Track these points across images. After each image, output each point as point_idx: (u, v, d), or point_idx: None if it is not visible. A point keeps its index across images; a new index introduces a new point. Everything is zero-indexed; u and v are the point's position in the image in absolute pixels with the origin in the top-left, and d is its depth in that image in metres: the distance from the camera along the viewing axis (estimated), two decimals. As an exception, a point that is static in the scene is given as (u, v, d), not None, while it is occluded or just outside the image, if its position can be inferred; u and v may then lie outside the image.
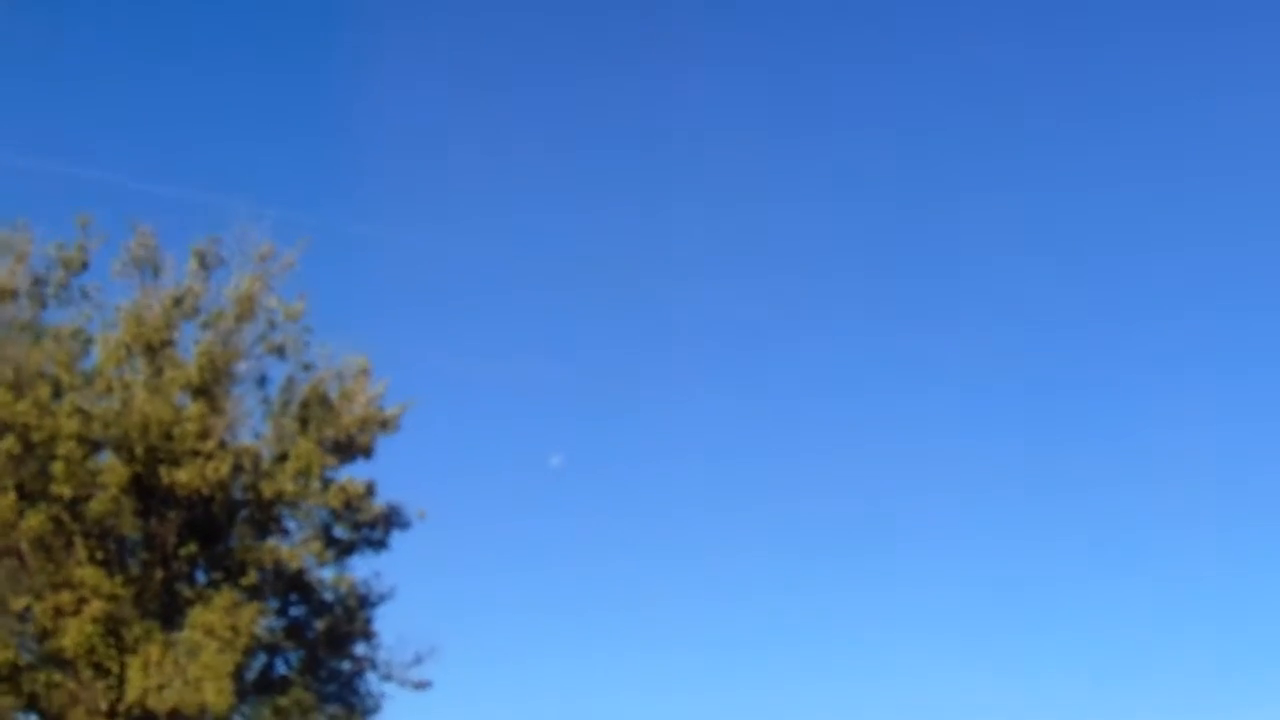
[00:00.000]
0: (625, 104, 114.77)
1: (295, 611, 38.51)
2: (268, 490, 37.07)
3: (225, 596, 35.28)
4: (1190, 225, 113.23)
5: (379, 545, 38.93)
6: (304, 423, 38.10)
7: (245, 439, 37.85)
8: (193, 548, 36.51)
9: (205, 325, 37.96)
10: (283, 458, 37.53)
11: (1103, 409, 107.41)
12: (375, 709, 38.77)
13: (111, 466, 35.77)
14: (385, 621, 39.27)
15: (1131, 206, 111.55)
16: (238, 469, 36.82)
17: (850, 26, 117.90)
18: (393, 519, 38.86)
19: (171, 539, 36.35)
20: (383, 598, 39.11)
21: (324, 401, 38.37)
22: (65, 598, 34.67)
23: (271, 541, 37.46)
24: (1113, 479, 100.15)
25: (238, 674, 34.75)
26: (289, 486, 37.04)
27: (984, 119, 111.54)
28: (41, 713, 35.14)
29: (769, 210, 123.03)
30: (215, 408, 36.92)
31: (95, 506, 35.29)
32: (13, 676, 34.26)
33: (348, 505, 37.89)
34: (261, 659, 37.28)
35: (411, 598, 41.32)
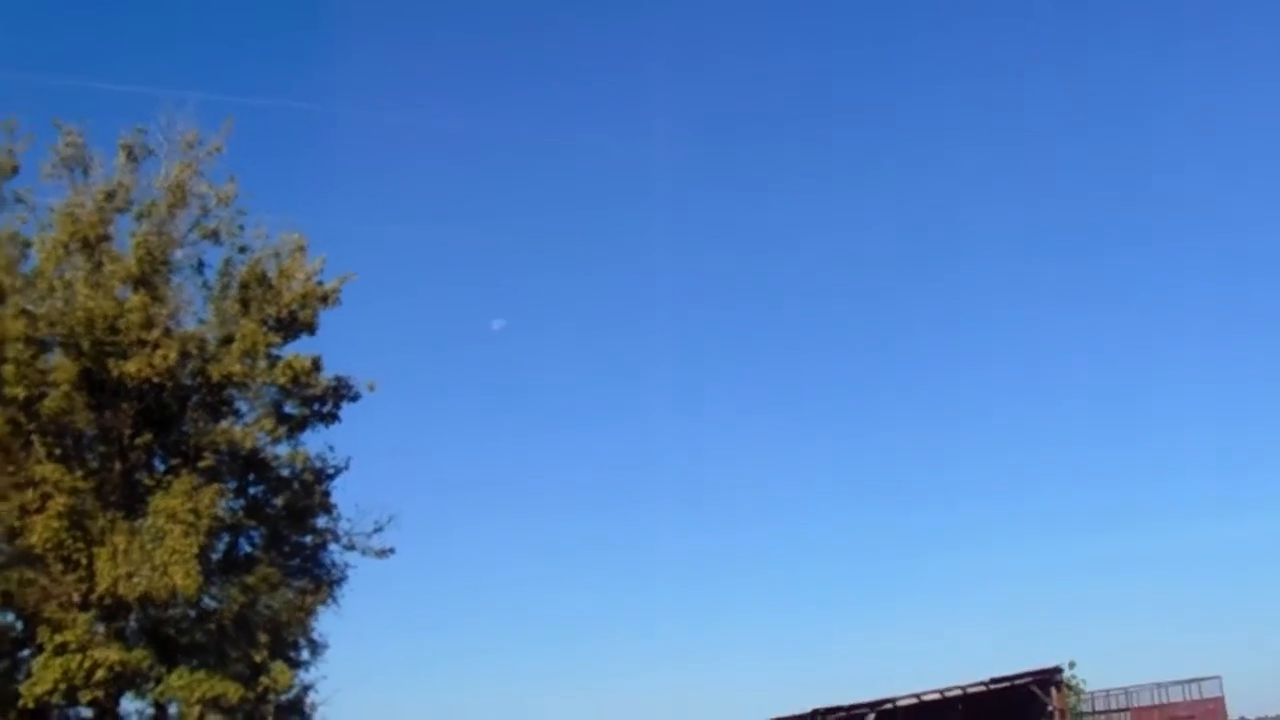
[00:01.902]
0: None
1: (254, 490, 39.36)
2: (216, 373, 37.66)
3: (184, 481, 35.98)
4: None
5: (330, 419, 39.74)
6: (245, 304, 38.66)
7: (189, 325, 38.43)
8: (148, 436, 37.20)
9: (139, 217, 38.25)
10: (228, 340, 38.09)
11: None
12: (340, 579, 39.82)
13: (61, 364, 36.27)
14: (343, 494, 40.13)
15: None
16: (184, 355, 37.29)
17: None
18: (341, 392, 39.59)
19: (126, 430, 36.96)
20: (338, 470, 40.14)
21: (263, 281, 38.87)
22: (29, 496, 35.30)
23: (224, 423, 38.19)
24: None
25: (203, 555, 35.46)
26: (236, 368, 37.60)
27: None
28: (16, 610, 35.86)
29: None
30: (157, 297, 37.35)
31: (49, 404, 35.80)
32: (-16, 578, 34.90)
33: (295, 381, 38.53)
34: (225, 539, 38.10)
35: (368, 469, 42.25)
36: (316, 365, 38.92)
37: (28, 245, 37.77)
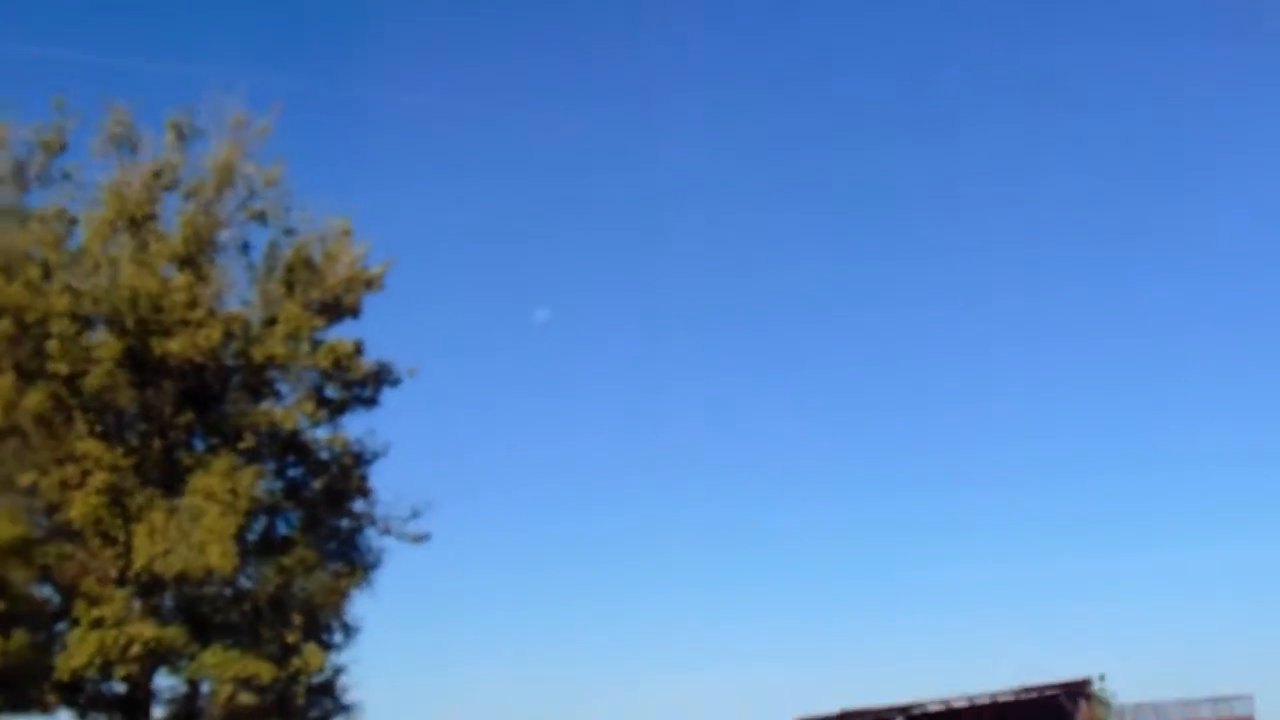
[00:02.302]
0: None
1: (293, 472, 39.50)
2: (258, 355, 37.84)
3: (224, 461, 36.19)
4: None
5: (370, 403, 39.82)
6: (290, 286, 38.80)
7: (233, 306, 38.56)
8: (189, 416, 37.38)
9: (186, 196, 38.47)
10: (271, 322, 38.26)
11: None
12: (376, 563, 39.88)
13: (104, 341, 36.47)
14: (381, 478, 40.18)
15: None
16: (228, 336, 37.47)
17: None
18: (383, 376, 39.70)
19: (168, 408, 37.16)
20: (377, 455, 40.17)
21: (308, 264, 39.02)
22: (69, 471, 35.53)
23: (265, 405, 38.30)
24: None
25: (240, 536, 35.68)
26: (279, 350, 37.75)
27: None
28: (54, 584, 36.07)
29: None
30: (201, 277, 37.55)
31: (92, 381, 35.98)
32: (24, 550, 34.98)
33: (337, 365, 38.65)
34: (262, 520, 38.18)
35: (406, 454, 42.31)
36: (359, 349, 39.06)
37: (74, 222, 37.98)
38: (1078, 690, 43.41)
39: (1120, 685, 62.98)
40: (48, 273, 36.63)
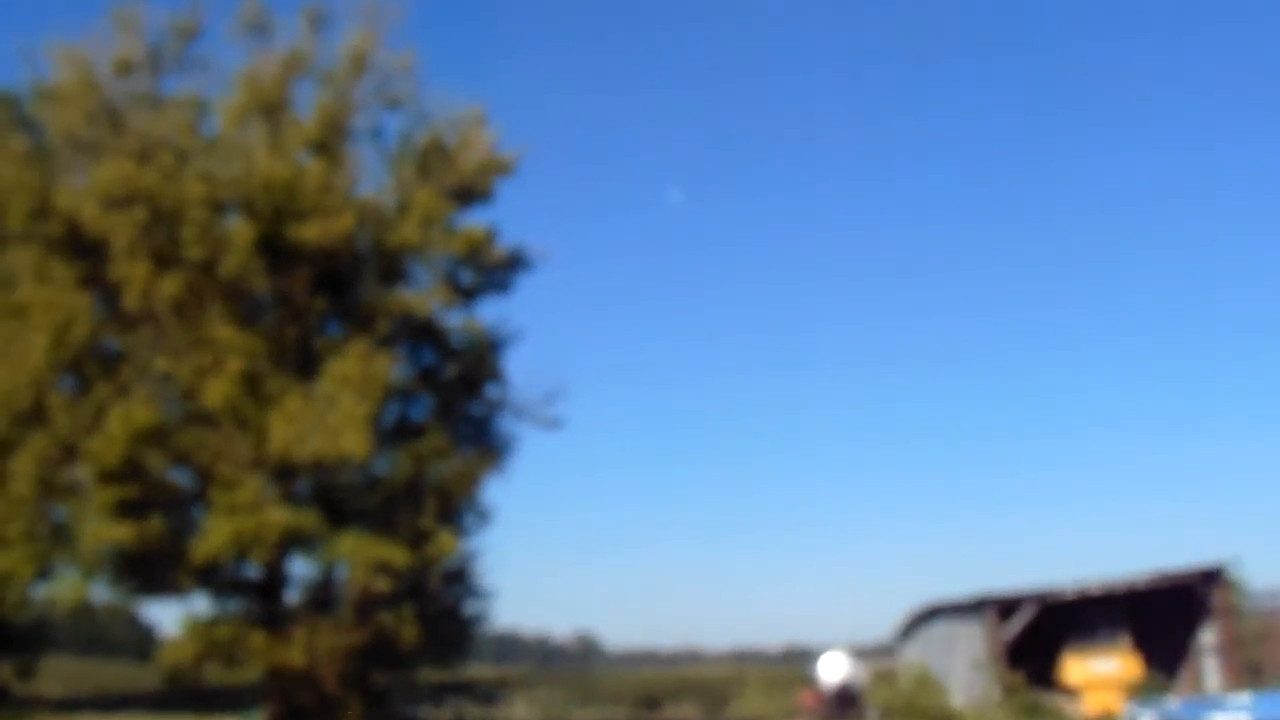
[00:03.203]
0: None
1: (426, 358, 39.69)
2: (392, 241, 37.82)
3: (358, 347, 36.20)
4: None
5: (503, 288, 39.79)
6: (423, 172, 38.65)
7: (366, 192, 38.59)
8: (323, 301, 37.56)
9: (320, 83, 38.35)
10: (405, 208, 38.17)
11: None
12: (509, 449, 40.01)
13: (239, 227, 36.58)
14: (514, 364, 40.12)
15: None
16: (361, 222, 37.44)
17: None
18: (516, 262, 39.56)
19: (302, 294, 37.27)
20: (510, 340, 40.20)
21: (441, 150, 38.84)
22: (205, 357, 35.78)
23: (399, 290, 38.34)
24: None
25: (374, 421, 35.68)
26: (413, 235, 37.68)
27: None
28: (190, 469, 36.32)
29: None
30: (335, 163, 37.45)
31: (227, 267, 36.15)
32: (160, 436, 35.33)
33: (471, 250, 38.60)
34: (396, 406, 38.34)
35: (539, 339, 42.18)
36: (492, 235, 38.92)
37: (208, 109, 38.01)
38: (1212, 576, 42.28)
39: (1256, 570, 61.36)
40: (182, 159, 36.63)
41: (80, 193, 36.09)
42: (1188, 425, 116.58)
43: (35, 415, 35.52)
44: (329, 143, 37.52)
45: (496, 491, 38.69)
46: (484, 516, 39.37)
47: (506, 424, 39.91)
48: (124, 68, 37.09)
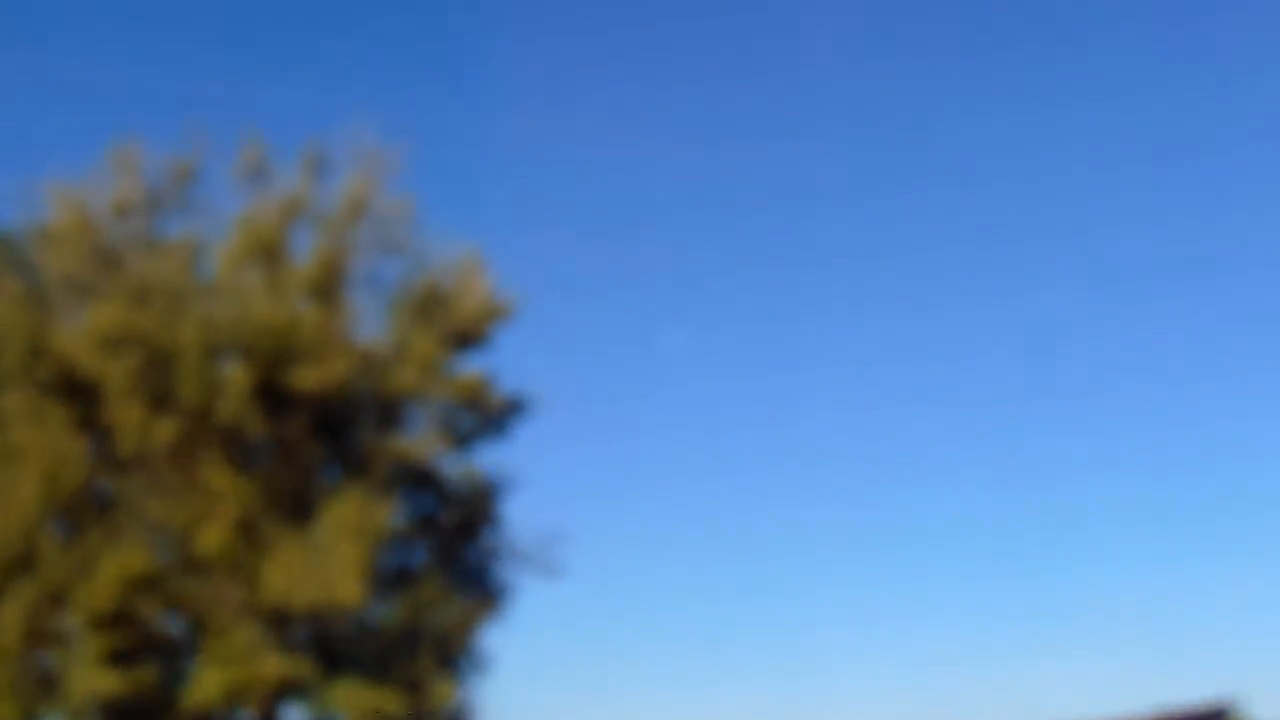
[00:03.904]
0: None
1: (424, 504, 39.08)
2: (390, 386, 37.48)
3: (355, 493, 35.82)
4: None
5: (502, 434, 39.35)
6: (421, 318, 38.35)
7: (364, 337, 38.22)
8: (319, 447, 37.12)
9: (317, 228, 38.23)
10: (402, 354, 37.82)
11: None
12: (508, 595, 39.31)
13: (235, 372, 36.19)
14: (513, 509, 39.72)
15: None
16: (359, 367, 37.12)
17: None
18: (515, 407, 39.20)
19: (298, 440, 36.83)
20: (509, 486, 39.64)
21: (439, 295, 38.61)
22: (200, 503, 35.30)
23: (396, 436, 37.96)
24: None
25: (371, 568, 35.23)
26: (410, 381, 37.39)
27: None
28: (183, 616, 35.85)
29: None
30: (333, 308, 37.29)
31: (222, 412, 35.74)
32: (154, 583, 34.87)
33: (469, 396, 38.31)
34: (393, 553, 37.84)
35: (538, 484, 41.79)
36: (490, 380, 38.70)
37: (206, 251, 37.88)
38: (1217, 714, 41.83)
39: (1265, 707, 60.56)
40: (179, 302, 36.45)
41: (76, 335, 35.87)
42: (1188, 556, 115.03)
43: (25, 561, 34.93)
44: (326, 288, 37.38)
45: (497, 639, 38.24)
46: (482, 664, 38.87)
47: (505, 570, 39.48)
48: (121, 209, 37.05)
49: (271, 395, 36.45)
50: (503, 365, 39.34)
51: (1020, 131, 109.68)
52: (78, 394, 35.87)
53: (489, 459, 39.40)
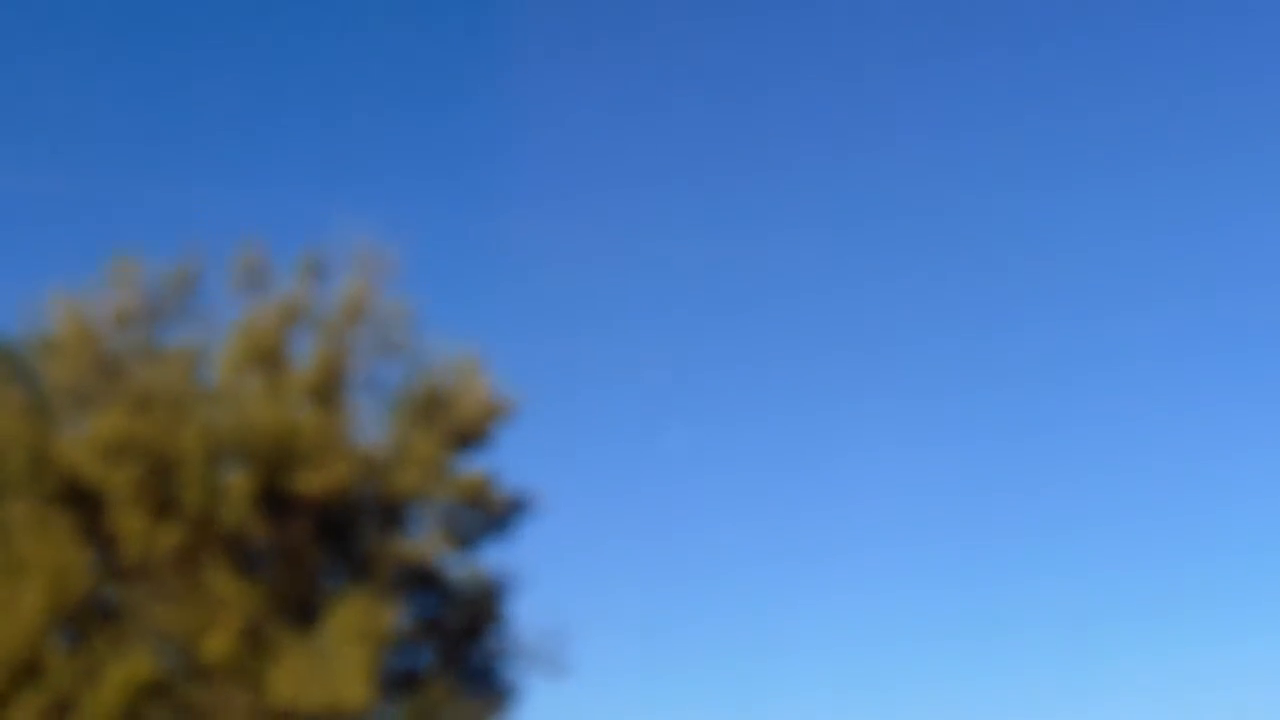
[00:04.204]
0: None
1: (428, 606, 38.98)
2: (391, 489, 37.57)
3: (359, 596, 35.84)
4: None
5: (506, 533, 39.38)
6: (422, 419, 38.47)
7: (365, 440, 38.33)
8: (323, 551, 37.18)
9: (317, 332, 38.47)
10: (403, 456, 37.91)
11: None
12: (515, 695, 39.27)
13: (237, 478, 36.29)
14: (518, 609, 39.74)
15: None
16: (360, 471, 37.26)
17: None
18: (518, 506, 39.27)
19: (301, 544, 36.89)
20: (513, 585, 39.59)
21: (439, 396, 38.74)
22: (204, 610, 35.29)
23: (399, 538, 38.00)
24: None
25: (376, 671, 35.23)
26: (412, 483, 37.49)
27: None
28: (188, 723, 35.81)
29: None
30: (333, 412, 37.45)
31: (225, 518, 35.87)
32: (160, 691, 34.84)
33: (472, 497, 38.38)
34: (398, 655, 37.80)
35: (545, 583, 41.82)
36: (492, 480, 38.75)
37: (206, 358, 38.06)
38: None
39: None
40: (180, 410, 36.59)
41: (78, 444, 35.99)
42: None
43: (31, 671, 34.89)
44: (327, 392, 37.56)
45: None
46: (492, 765, 38.86)
47: (511, 670, 39.43)
48: (122, 319, 37.28)
49: (273, 500, 36.53)
50: (505, 465, 39.51)
51: (1024, 210, 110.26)
52: (81, 503, 35.96)
53: (493, 559, 39.49)
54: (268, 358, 37.49)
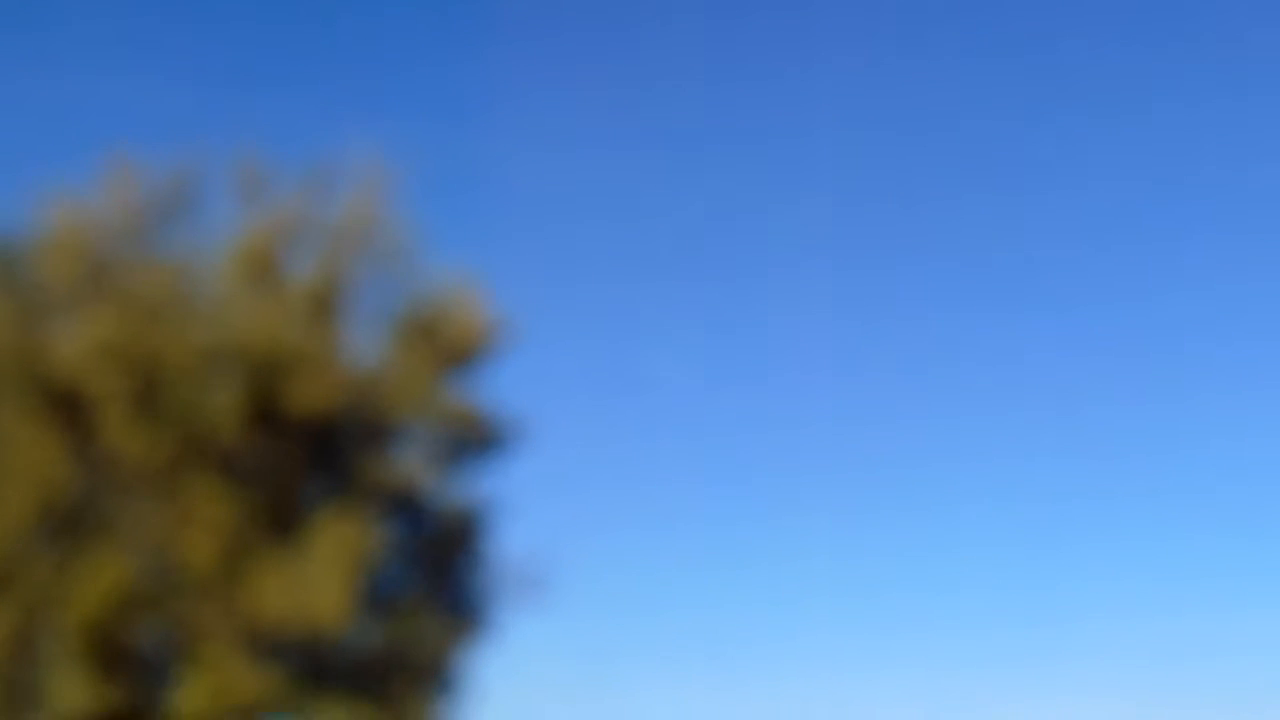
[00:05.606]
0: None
1: (413, 529, 38.82)
2: (382, 409, 37.41)
3: (343, 515, 35.69)
4: None
5: (495, 455, 39.12)
6: (417, 340, 38.20)
7: (358, 357, 38.11)
8: (309, 469, 37.04)
9: (314, 247, 38.13)
10: (397, 377, 37.74)
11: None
12: (493, 616, 39.03)
13: (227, 391, 36.06)
14: (502, 536, 39.58)
15: None
16: (352, 390, 37.03)
17: None
18: (508, 433, 38.97)
19: (288, 461, 36.73)
20: (499, 512, 39.31)
21: (435, 316, 38.42)
22: (187, 521, 35.15)
23: (387, 458, 37.84)
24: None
25: (356, 590, 35.19)
26: (404, 405, 37.37)
27: None
28: (166, 633, 35.76)
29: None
30: (327, 329, 37.21)
31: (213, 430, 35.69)
32: (138, 598, 34.78)
33: (463, 421, 38.16)
34: (380, 576, 37.68)
35: (529, 511, 41.64)
36: (483, 405, 38.53)
37: (200, 268, 37.73)
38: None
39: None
40: (172, 319, 36.34)
41: (68, 348, 35.79)
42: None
43: (8, 576, 34.91)
44: (321, 308, 37.27)
45: (488, 669, 38.13)
46: (464, 687, 38.73)
47: (493, 595, 39.29)
48: (117, 221, 36.96)
49: (262, 415, 36.33)
50: (500, 393, 39.25)
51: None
52: (67, 408, 35.77)
53: (480, 485, 39.30)
54: (264, 271, 37.21)
